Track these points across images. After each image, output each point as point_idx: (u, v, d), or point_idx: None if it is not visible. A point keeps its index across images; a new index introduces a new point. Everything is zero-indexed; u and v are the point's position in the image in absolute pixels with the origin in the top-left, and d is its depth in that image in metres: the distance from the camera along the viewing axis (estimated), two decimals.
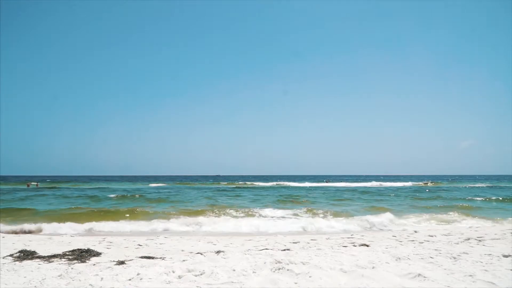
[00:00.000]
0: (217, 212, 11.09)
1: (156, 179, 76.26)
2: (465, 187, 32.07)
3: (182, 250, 4.64)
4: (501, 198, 16.85)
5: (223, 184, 39.06)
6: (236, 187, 30.94)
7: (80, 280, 3.06)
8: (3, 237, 6.29)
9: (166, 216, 10.07)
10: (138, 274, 3.12)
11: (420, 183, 43.31)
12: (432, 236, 5.92)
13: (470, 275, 2.99)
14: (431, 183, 42.65)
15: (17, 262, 3.93)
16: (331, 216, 10.21)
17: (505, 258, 3.73)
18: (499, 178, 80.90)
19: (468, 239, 5.34)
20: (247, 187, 31.11)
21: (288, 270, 3.15)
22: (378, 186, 34.03)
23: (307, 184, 39.48)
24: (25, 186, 31.79)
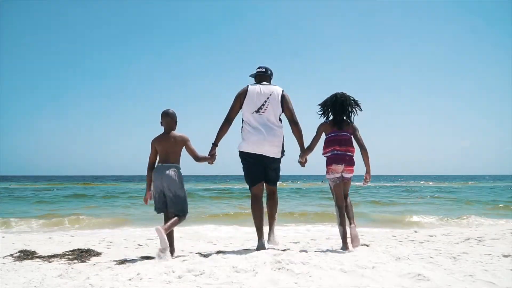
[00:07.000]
0: None
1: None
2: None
3: (182, 250, 4.64)
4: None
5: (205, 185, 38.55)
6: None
7: (80, 280, 3.06)
8: (3, 236, 6.30)
9: None
10: (138, 274, 3.12)
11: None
12: (432, 236, 5.93)
13: (470, 275, 2.99)
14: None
15: (17, 262, 3.94)
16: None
17: (505, 258, 3.73)
18: (498, 178, 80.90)
19: (468, 239, 5.34)
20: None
21: (288, 270, 3.15)
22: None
23: (302, 185, 38.12)
24: None
